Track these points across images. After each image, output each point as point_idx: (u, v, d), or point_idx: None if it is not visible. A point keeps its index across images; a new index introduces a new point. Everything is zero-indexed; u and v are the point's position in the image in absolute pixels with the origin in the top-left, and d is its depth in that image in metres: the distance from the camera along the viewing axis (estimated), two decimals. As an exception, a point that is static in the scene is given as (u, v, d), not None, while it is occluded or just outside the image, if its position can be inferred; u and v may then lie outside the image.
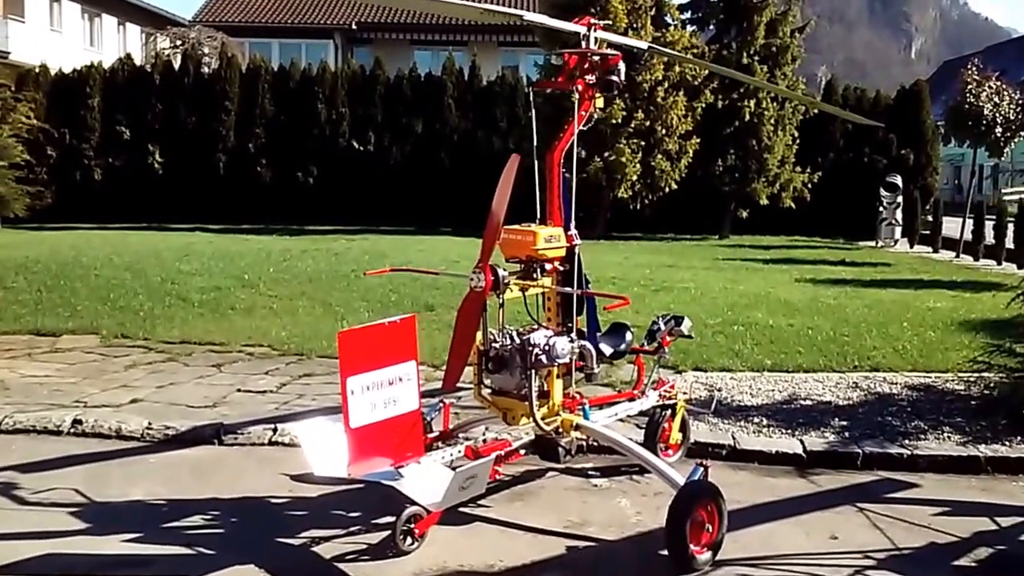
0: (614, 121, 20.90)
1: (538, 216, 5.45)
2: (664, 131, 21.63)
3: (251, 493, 5.53)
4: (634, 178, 21.41)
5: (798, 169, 23.37)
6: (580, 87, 5.38)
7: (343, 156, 24.33)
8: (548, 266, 5.25)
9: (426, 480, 4.45)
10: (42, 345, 9.33)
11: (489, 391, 5.24)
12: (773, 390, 8.00)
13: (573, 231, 5.35)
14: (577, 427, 5.27)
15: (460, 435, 5.95)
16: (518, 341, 5.01)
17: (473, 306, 4.97)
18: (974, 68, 20.63)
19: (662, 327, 5.93)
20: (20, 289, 11.35)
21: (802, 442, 6.60)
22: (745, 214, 23.81)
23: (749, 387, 8.07)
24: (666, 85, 21.57)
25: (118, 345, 9.35)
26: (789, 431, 6.88)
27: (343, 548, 4.77)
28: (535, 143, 5.46)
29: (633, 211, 22.89)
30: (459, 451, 5.02)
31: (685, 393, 6.28)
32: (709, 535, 4.68)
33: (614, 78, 5.43)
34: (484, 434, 6.22)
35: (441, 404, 5.71)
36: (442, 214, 23.29)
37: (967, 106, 20.08)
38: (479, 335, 5.05)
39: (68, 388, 7.68)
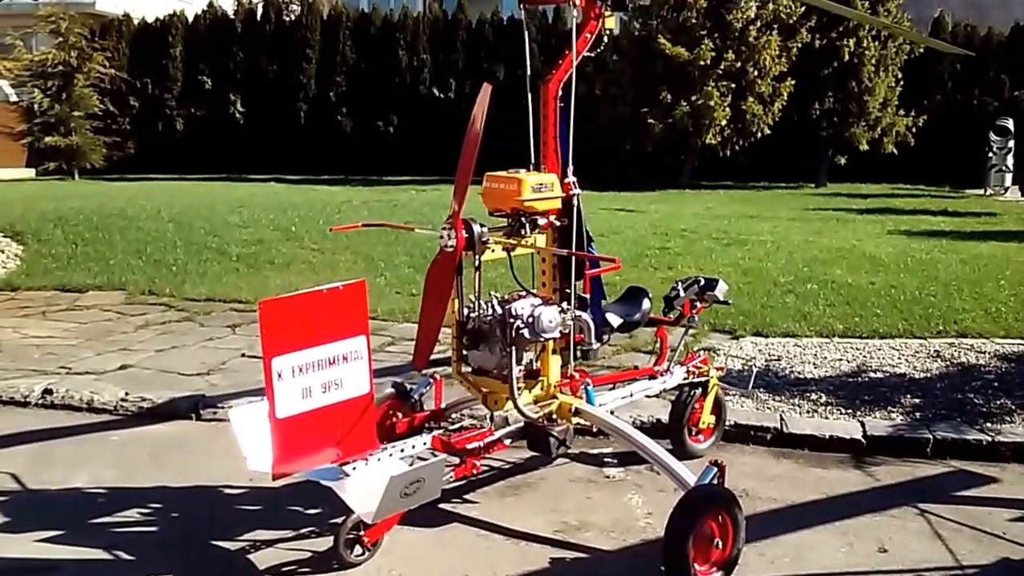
0: (702, 63, 19.80)
1: (532, 160, 4.59)
2: (756, 73, 20.39)
3: (207, 481, 4.88)
4: (723, 123, 20.24)
5: (901, 112, 21.75)
6: (579, 3, 4.46)
7: (424, 104, 23.65)
8: (540, 220, 4.38)
9: (366, 483, 3.70)
10: (63, 302, 9.04)
11: (469, 369, 4.45)
12: (840, 360, 6.99)
13: (571, 178, 4.47)
14: (576, 412, 4.44)
15: (455, 415, 5.23)
16: (498, 311, 4.19)
17: (444, 269, 4.18)
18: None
19: (681, 293, 5.00)
20: (55, 242, 11.05)
21: (862, 424, 5.63)
22: (843, 160, 22.37)
23: (813, 356, 7.08)
24: (759, 24, 20.25)
25: (140, 303, 8.99)
26: (850, 411, 5.91)
27: (285, 556, 4.07)
28: (528, 73, 4.57)
29: (724, 158, 21.69)
30: (426, 442, 4.23)
31: (720, 368, 5.34)
32: (720, 552, 3.82)
33: (628, -8, 4.50)
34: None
35: (431, 379, 4.95)
36: (525, 161, 22.40)
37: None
38: (455, 303, 4.26)
39: (63, 351, 7.25)
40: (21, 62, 21.17)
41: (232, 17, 25.37)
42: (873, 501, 4.76)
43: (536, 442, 4.48)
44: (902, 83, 21.88)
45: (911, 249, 11.28)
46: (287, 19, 25.33)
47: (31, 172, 22.92)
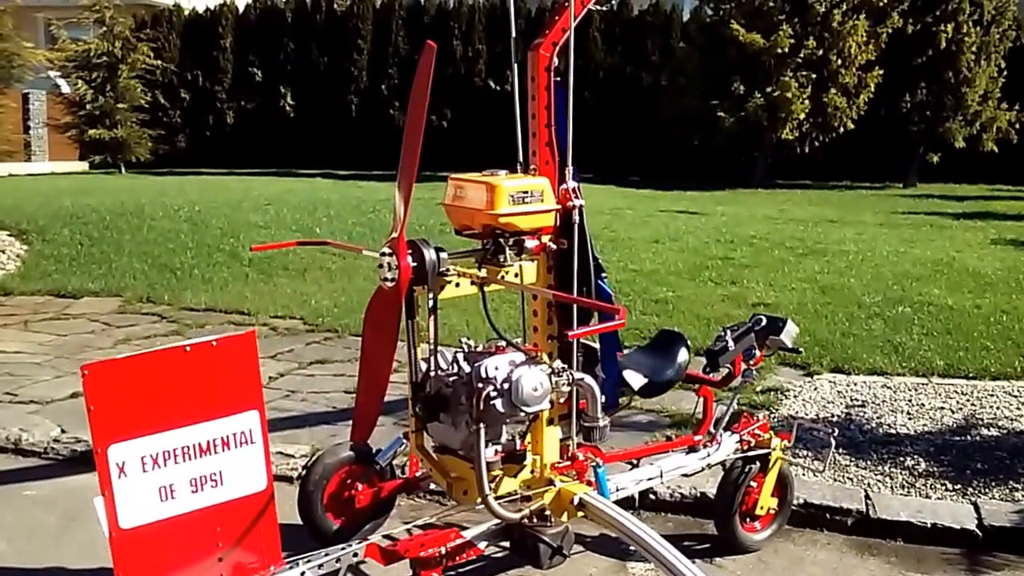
0: (780, 50, 18.38)
1: (520, 158, 3.36)
2: (840, 61, 18.91)
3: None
4: (801, 116, 18.82)
5: (1004, 106, 20.05)
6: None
7: (479, 96, 22.59)
8: (529, 243, 3.15)
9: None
10: (51, 310, 8.17)
11: (432, 445, 3.26)
12: (942, 408, 5.58)
13: (571, 183, 3.22)
14: (581, 505, 3.19)
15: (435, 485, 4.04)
16: (465, 370, 2.98)
17: (385, 311, 2.98)
18: None
19: (731, 345, 3.67)
20: (60, 242, 10.20)
21: (976, 507, 4.24)
22: (936, 159, 20.69)
23: (907, 402, 5.68)
24: (844, 7, 18.72)
25: (133, 312, 8.08)
26: (959, 485, 4.52)
27: None
28: (512, 35, 3.35)
29: (801, 155, 20.22)
30: (357, 552, 3.03)
31: (786, 436, 4.01)
32: None
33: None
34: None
35: (403, 439, 3.76)
36: (585, 158, 21.29)
37: None
38: (412, 355, 3.08)
39: (23, 371, 6.31)
40: (65, 52, 20.64)
41: (283, 7, 24.70)
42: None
43: (522, 548, 3.24)
44: (1005, 73, 20.18)
45: (1022, 263, 9.72)
46: (339, 8, 24.52)
47: (84, 165, 22.48)
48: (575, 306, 3.15)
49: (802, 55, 18.60)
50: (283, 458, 4.63)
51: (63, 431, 5.16)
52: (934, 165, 20.74)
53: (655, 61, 21.99)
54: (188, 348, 2.63)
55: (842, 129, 19.38)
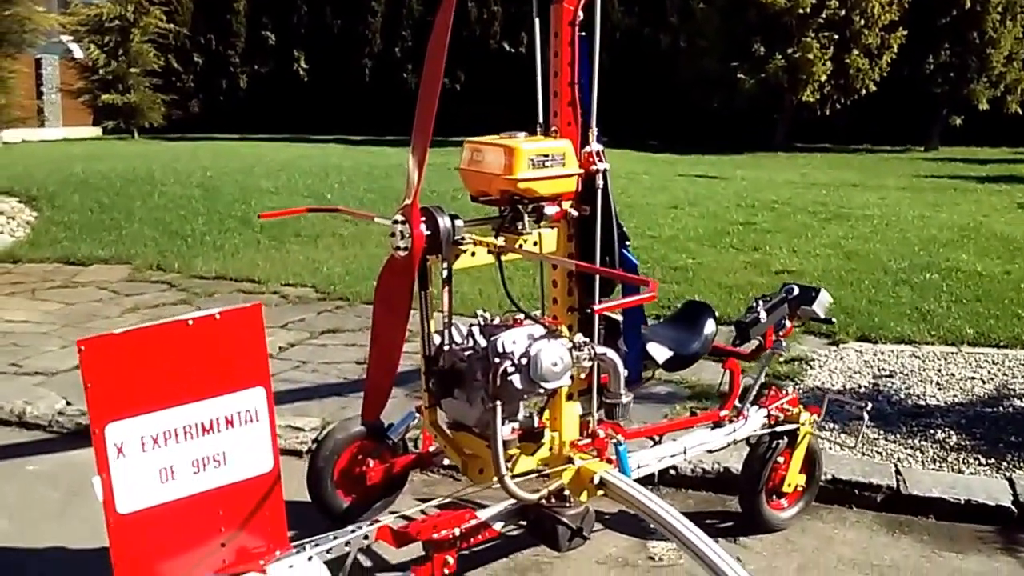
0: (801, 11, 18.05)
1: (540, 119, 3.18)
2: (863, 22, 18.59)
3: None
4: (823, 78, 18.56)
5: (1030, 67, 19.56)
6: None
7: (493, 59, 22.31)
8: (548, 209, 2.98)
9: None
10: (59, 278, 8.10)
11: (446, 422, 3.11)
12: (973, 378, 5.40)
13: (595, 145, 3.04)
14: (601, 483, 3.04)
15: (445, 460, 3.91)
16: (480, 344, 2.83)
17: (397, 281, 2.83)
18: None
19: (763, 317, 3.50)
20: (70, 208, 10.11)
21: (1011, 482, 4.06)
22: (959, 121, 20.41)
23: (936, 372, 5.51)
24: (868, -35, 18.30)
25: (142, 280, 8.00)
26: (992, 459, 4.35)
27: None
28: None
29: (822, 117, 19.97)
30: (368, 535, 2.89)
31: (816, 410, 3.84)
32: None
33: None
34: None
35: (416, 413, 3.62)
36: (602, 121, 21.10)
37: None
38: (424, 328, 2.93)
39: (29, 341, 6.20)
40: (78, 16, 20.43)
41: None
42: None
43: (539, 529, 3.10)
44: (1031, 33, 19.73)
45: (1052, 228, 9.52)
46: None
47: (97, 131, 22.34)
48: (597, 277, 2.99)
49: (824, 15, 18.32)
50: (292, 432, 4.50)
51: (68, 403, 5.04)
52: (956, 128, 20.48)
53: (674, 22, 21.66)
54: (191, 322, 2.48)
55: (864, 91, 19.17)
